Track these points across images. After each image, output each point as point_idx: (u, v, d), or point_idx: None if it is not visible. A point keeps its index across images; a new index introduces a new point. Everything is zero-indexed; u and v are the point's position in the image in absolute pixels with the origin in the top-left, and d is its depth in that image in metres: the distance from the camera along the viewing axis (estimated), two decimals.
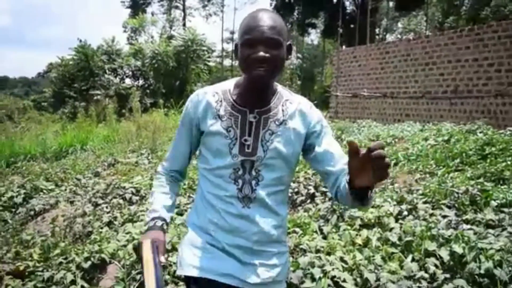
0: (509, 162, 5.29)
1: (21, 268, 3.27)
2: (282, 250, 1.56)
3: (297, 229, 3.55)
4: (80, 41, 20.82)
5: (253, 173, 1.46)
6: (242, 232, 1.46)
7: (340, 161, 1.47)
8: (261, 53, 1.36)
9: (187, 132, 1.56)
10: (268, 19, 1.39)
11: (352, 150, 1.16)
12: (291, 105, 1.52)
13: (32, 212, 5.00)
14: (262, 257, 1.49)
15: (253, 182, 1.46)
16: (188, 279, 1.51)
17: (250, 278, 1.46)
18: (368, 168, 1.14)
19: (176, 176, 1.68)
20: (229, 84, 1.54)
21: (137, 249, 1.45)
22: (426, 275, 2.73)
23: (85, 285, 3.09)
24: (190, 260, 1.49)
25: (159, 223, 1.52)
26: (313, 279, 2.73)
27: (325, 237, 3.46)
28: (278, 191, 1.51)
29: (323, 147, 1.51)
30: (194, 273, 1.46)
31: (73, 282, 3.06)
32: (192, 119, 1.52)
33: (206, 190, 1.51)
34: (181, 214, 4.24)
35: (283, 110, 1.49)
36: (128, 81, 22.09)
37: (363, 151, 1.14)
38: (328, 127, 1.57)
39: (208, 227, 1.50)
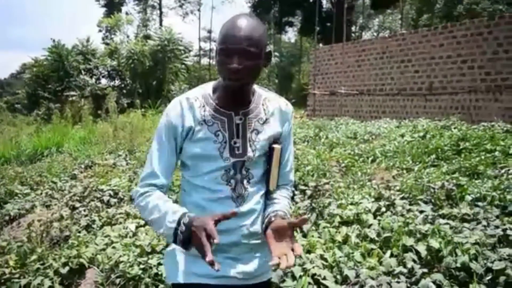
0: (482, 157, 5.42)
1: None
2: None
3: None
4: (54, 41, 20.42)
5: (244, 172, 1.49)
6: (237, 229, 1.48)
7: (286, 168, 1.62)
8: (235, 65, 1.37)
9: (172, 142, 1.48)
10: (246, 28, 1.38)
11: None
12: (270, 103, 1.56)
13: (7, 217, 4.89)
14: (257, 250, 1.54)
15: (245, 181, 1.49)
16: (179, 287, 1.49)
17: (246, 273, 1.50)
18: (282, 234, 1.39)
19: (165, 192, 1.52)
20: (207, 89, 1.53)
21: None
22: (405, 270, 2.77)
23: None
24: (181, 266, 1.48)
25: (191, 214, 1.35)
26: (293, 277, 2.74)
27: (305, 235, 3.48)
28: (263, 186, 1.56)
29: (285, 156, 1.61)
30: (188, 279, 1.45)
31: None
32: (177, 128, 1.46)
33: (197, 196, 1.48)
34: None
35: (264, 109, 1.53)
36: (104, 81, 21.77)
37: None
38: (292, 126, 1.65)
39: None
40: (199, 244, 1.25)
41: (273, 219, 1.46)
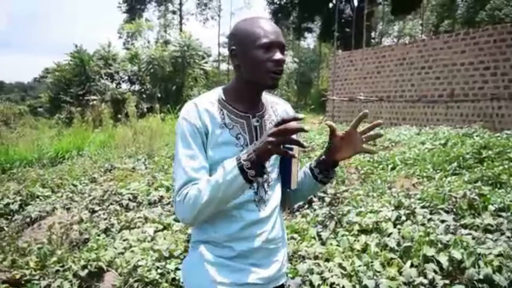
0: (506, 166, 5.30)
1: (18, 276, 3.24)
2: (285, 243, 1.63)
3: (295, 235, 3.54)
4: (76, 46, 20.81)
5: (264, 175, 1.49)
6: (258, 235, 1.47)
7: None
8: (281, 56, 1.40)
9: (200, 145, 1.43)
10: (275, 26, 1.44)
11: (332, 131, 1.47)
12: (277, 105, 1.59)
13: (28, 219, 4.95)
14: (275, 255, 1.54)
15: (265, 184, 1.50)
16: None
17: (266, 278, 1.50)
18: (351, 142, 1.49)
19: None
20: (219, 93, 1.51)
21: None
22: (425, 281, 2.72)
23: None
24: (208, 276, 1.45)
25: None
26: (312, 286, 2.72)
27: (323, 243, 3.45)
28: (279, 189, 1.57)
29: None
30: None
31: None
32: (201, 130, 1.42)
33: None
34: (178, 221, 4.21)
35: (273, 111, 1.56)
36: (124, 86, 22.06)
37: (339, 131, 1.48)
38: None
39: (220, 239, 1.47)
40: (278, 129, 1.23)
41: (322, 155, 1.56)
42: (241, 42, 1.43)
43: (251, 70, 1.42)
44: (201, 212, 1.35)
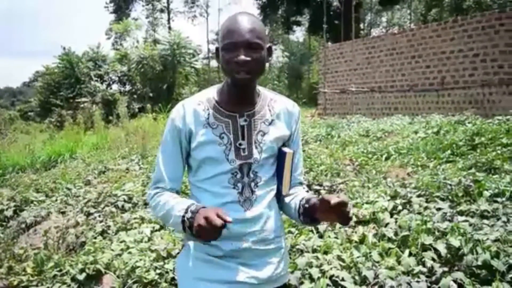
0: (499, 151, 5.33)
1: (15, 283, 3.22)
2: (283, 245, 1.59)
3: (293, 229, 3.53)
4: (64, 48, 20.68)
5: (251, 175, 1.48)
6: (246, 235, 1.46)
7: (296, 171, 1.62)
8: (242, 57, 1.37)
9: (177, 145, 1.49)
10: (247, 23, 1.40)
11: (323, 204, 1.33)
12: (276, 103, 1.55)
13: (23, 225, 4.90)
14: (268, 256, 1.51)
15: (252, 184, 1.48)
16: None
17: (259, 279, 1.47)
18: (332, 212, 1.30)
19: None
20: (211, 92, 1.53)
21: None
22: (424, 269, 2.73)
23: None
24: (192, 272, 1.46)
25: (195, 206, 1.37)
26: (311, 279, 2.71)
27: (321, 236, 3.44)
28: (272, 189, 1.54)
29: (294, 159, 1.58)
30: (198, 285, 1.44)
31: None
32: (181, 131, 1.47)
33: (204, 201, 1.45)
34: None
35: (270, 110, 1.52)
36: (115, 87, 21.99)
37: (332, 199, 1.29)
38: (299, 127, 1.64)
39: None
40: (205, 220, 1.25)
41: (311, 200, 1.46)
42: (219, 41, 1.46)
43: (222, 70, 1.46)
44: (159, 218, 1.53)
